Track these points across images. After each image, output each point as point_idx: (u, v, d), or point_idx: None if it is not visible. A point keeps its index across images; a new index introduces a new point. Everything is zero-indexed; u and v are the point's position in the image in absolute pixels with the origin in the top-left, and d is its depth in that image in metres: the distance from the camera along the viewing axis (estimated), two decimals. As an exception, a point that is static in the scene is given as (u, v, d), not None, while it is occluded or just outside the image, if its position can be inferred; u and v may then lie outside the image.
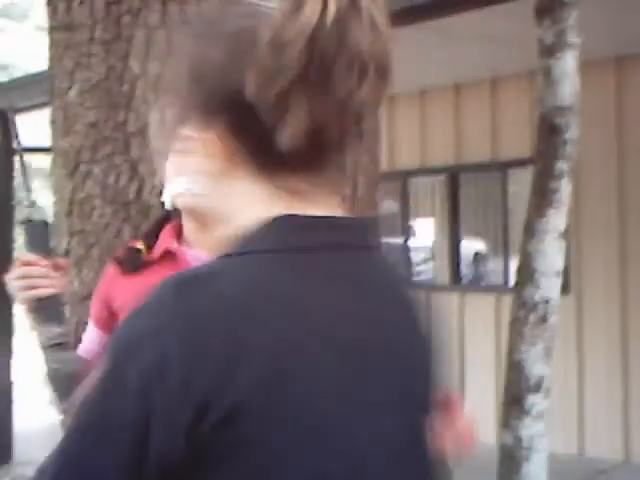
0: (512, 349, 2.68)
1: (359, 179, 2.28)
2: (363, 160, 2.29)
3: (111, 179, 2.21)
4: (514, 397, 2.62)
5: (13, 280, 1.58)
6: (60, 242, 2.39)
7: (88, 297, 1.93)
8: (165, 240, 1.64)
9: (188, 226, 1.59)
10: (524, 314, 2.62)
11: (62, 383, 1.56)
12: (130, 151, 2.18)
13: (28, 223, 1.61)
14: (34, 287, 1.57)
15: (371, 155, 2.36)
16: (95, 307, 1.75)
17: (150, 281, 1.60)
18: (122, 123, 2.19)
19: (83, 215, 2.31)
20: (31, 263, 1.58)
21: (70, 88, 2.29)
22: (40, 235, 1.63)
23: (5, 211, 6.73)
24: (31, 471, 0.79)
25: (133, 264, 1.65)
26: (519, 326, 2.66)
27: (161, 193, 1.92)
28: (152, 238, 1.68)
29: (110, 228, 2.25)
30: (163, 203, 1.64)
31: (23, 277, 1.58)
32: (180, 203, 1.06)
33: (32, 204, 1.64)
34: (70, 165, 2.32)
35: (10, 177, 6.94)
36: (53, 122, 2.40)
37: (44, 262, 1.59)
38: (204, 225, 1.54)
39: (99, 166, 2.23)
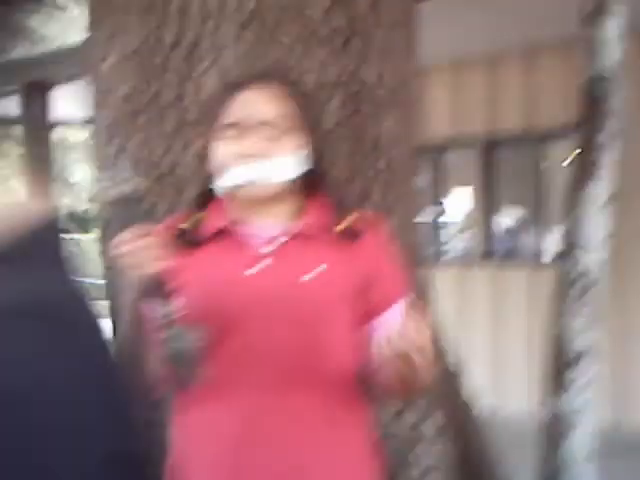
0: (553, 321, 2.64)
1: (393, 152, 2.23)
2: (397, 132, 2.25)
3: (145, 153, 2.19)
4: (555, 370, 2.58)
5: (133, 252, 1.41)
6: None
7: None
8: (216, 217, 1.62)
9: (245, 203, 1.58)
10: (565, 286, 2.57)
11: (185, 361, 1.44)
12: (164, 124, 2.16)
13: (124, 200, 1.44)
14: (154, 259, 1.43)
15: (406, 127, 2.31)
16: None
17: (205, 258, 1.61)
18: (155, 95, 2.16)
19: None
20: (150, 234, 1.43)
21: (105, 59, 2.27)
22: (136, 212, 1.46)
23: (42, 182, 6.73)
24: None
25: (187, 243, 1.60)
26: (560, 298, 2.61)
27: (202, 165, 1.93)
28: (195, 216, 1.64)
29: (145, 202, 2.23)
30: (206, 179, 1.63)
31: (145, 249, 1.42)
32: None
33: (126, 179, 1.47)
34: (104, 138, 2.30)
35: (48, 151, 6.94)
36: (88, 94, 2.38)
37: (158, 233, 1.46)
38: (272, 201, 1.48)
39: (133, 140, 2.21)
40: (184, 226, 1.63)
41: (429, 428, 2.24)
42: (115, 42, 2.23)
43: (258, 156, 1.55)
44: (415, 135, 2.37)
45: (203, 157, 1.67)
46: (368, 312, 1.59)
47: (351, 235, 1.60)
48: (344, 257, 1.58)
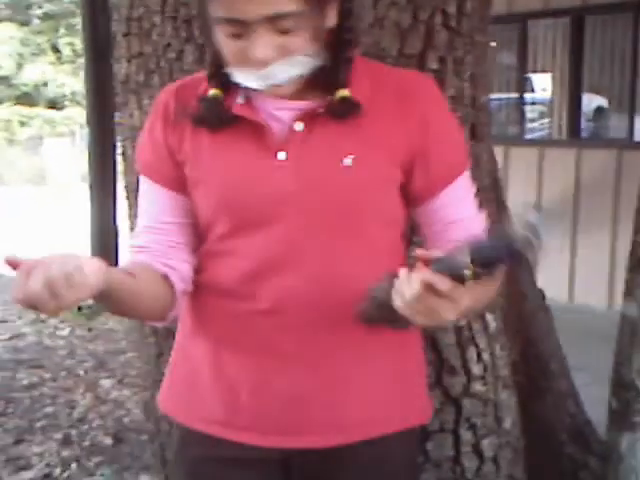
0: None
1: (466, 9, 1.85)
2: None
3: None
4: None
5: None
6: (119, 68, 2.09)
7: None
8: (233, 96, 1.31)
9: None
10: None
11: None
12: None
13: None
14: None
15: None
16: (151, 156, 1.37)
17: (226, 142, 1.28)
18: None
19: (142, 34, 1.98)
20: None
21: None
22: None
23: (100, 51, 6.37)
24: None
25: (218, 119, 1.30)
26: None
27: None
28: (213, 92, 1.32)
29: (171, 49, 1.93)
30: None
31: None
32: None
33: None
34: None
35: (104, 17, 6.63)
36: None
37: None
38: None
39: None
40: (215, 93, 1.31)
41: (491, 320, 1.94)
42: None
43: (271, 61, 1.21)
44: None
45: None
46: (422, 190, 1.33)
47: (399, 98, 1.31)
48: (391, 127, 1.29)
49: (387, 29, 1.77)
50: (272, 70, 1.22)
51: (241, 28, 1.19)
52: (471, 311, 1.21)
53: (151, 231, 1.37)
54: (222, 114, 1.30)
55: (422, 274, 1.09)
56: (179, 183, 1.34)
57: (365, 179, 1.27)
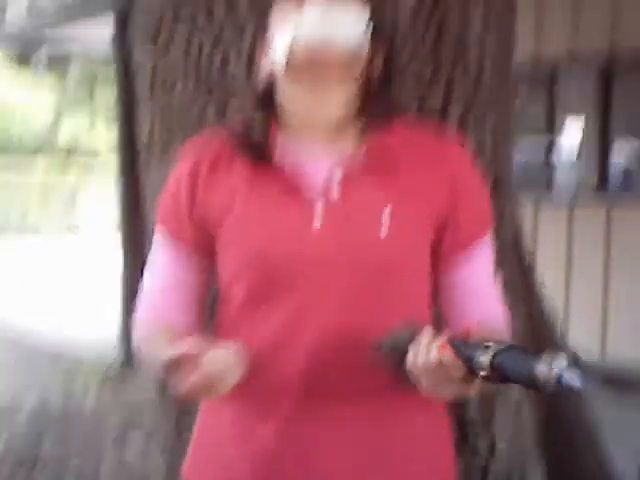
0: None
1: (486, 63, 1.84)
2: (490, 39, 1.85)
3: (194, 47, 1.89)
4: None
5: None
6: (142, 126, 2.11)
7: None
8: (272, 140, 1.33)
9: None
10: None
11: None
12: (213, 13, 1.84)
13: None
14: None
15: (501, 34, 1.90)
16: (174, 215, 1.36)
17: (260, 195, 1.29)
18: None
19: (165, 90, 2.00)
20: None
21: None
22: None
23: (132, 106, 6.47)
24: None
25: (260, 147, 1.31)
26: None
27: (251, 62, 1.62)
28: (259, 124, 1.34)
29: (194, 106, 1.94)
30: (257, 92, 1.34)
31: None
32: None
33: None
34: (151, 31, 2.01)
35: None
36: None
37: None
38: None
39: (181, 32, 1.91)
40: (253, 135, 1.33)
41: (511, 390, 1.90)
42: None
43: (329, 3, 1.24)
44: (514, 27, 1.96)
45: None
46: (448, 251, 1.33)
47: (432, 158, 1.32)
48: (425, 185, 1.30)
49: (408, 81, 1.77)
50: (324, 13, 1.23)
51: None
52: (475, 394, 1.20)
53: (166, 287, 1.36)
54: (265, 142, 1.30)
55: (442, 350, 1.11)
56: (199, 243, 1.34)
57: (402, 242, 1.27)
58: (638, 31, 5.95)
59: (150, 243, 1.41)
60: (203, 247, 1.34)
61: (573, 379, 1.03)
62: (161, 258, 1.38)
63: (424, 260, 1.31)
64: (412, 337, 1.16)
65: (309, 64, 1.24)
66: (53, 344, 6.81)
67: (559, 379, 1.04)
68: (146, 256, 1.41)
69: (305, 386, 1.27)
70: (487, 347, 1.10)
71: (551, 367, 1.04)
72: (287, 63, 1.25)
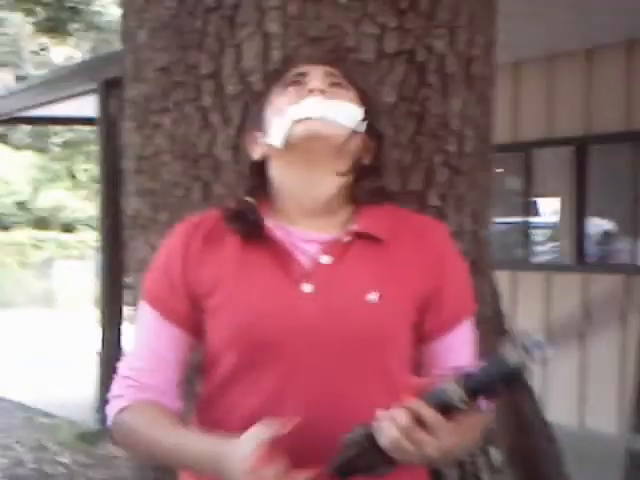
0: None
1: (466, 133, 1.91)
2: (472, 112, 1.93)
3: (181, 130, 1.94)
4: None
5: None
6: (129, 203, 2.15)
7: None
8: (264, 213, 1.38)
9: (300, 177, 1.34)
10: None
11: None
12: (202, 98, 1.90)
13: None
14: None
15: (482, 106, 1.98)
16: (165, 293, 1.38)
17: (251, 265, 1.33)
18: (193, 66, 1.90)
19: (152, 172, 2.04)
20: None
21: (140, 27, 2.02)
22: None
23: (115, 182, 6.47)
24: None
25: (251, 226, 1.36)
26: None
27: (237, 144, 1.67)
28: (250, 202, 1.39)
29: (179, 187, 1.98)
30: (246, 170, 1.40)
31: None
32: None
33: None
34: (140, 116, 2.06)
35: (118, 150, 6.80)
36: (125, 69, 2.14)
37: None
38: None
39: (169, 116, 1.96)
40: (250, 200, 1.38)
41: (494, 455, 1.91)
42: (149, 9, 1.98)
43: (328, 94, 1.33)
44: (492, 117, 2.03)
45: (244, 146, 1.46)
46: (431, 330, 1.36)
47: (417, 240, 1.37)
48: (411, 266, 1.34)
49: (389, 167, 1.83)
50: (324, 101, 1.30)
51: None
52: (456, 450, 1.21)
53: (154, 367, 1.37)
54: (256, 221, 1.34)
55: (410, 404, 1.11)
56: (189, 321, 1.36)
57: (388, 316, 1.30)
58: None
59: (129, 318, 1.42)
60: (191, 323, 1.36)
61: (541, 344, 1.04)
62: (148, 336, 1.39)
63: (407, 338, 1.34)
64: (366, 438, 1.15)
65: (307, 147, 1.30)
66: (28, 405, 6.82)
67: (530, 351, 1.03)
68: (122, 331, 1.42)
69: (293, 448, 1.27)
70: (449, 381, 1.08)
71: (516, 347, 1.04)
72: (285, 145, 1.31)
